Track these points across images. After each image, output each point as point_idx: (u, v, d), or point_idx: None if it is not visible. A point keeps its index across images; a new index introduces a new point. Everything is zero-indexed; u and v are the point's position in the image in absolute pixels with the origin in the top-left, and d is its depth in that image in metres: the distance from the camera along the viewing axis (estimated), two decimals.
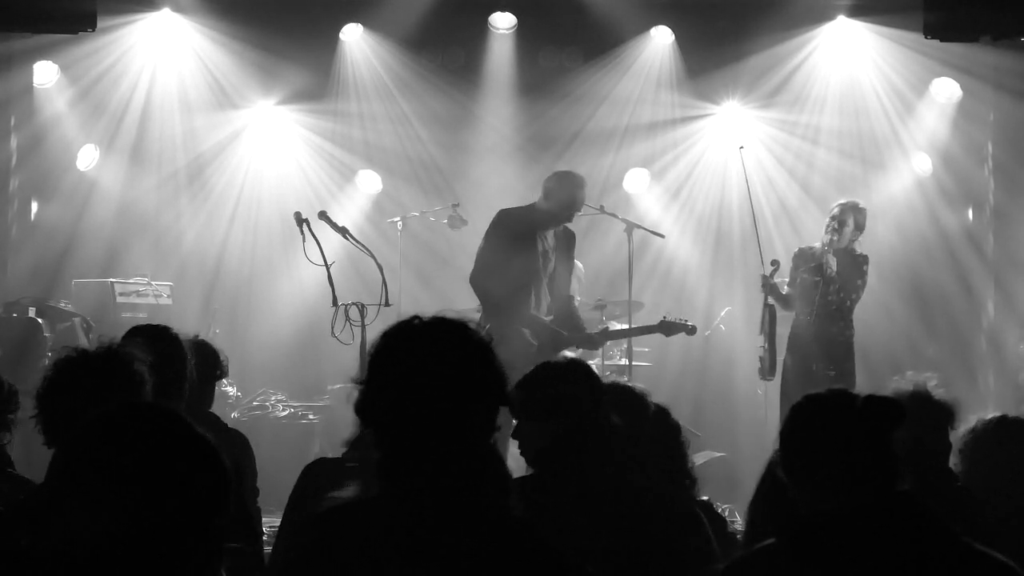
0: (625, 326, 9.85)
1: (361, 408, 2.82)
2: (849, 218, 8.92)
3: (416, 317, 2.87)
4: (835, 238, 8.85)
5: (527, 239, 8.71)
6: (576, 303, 10.31)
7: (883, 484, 2.98)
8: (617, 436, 4.14)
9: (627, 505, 4.00)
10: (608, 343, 10.01)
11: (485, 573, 2.68)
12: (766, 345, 8.90)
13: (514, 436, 4.20)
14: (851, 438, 3.01)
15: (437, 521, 2.68)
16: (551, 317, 8.78)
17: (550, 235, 8.85)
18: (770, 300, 8.98)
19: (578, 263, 10.54)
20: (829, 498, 2.98)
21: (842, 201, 9.09)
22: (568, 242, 8.98)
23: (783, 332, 9.11)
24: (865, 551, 2.90)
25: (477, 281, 8.68)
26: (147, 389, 3.71)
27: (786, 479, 3.09)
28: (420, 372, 2.77)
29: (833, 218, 8.93)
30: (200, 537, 2.46)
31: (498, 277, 8.58)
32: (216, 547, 2.45)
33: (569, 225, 8.98)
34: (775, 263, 9.05)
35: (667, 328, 9.26)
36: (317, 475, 4.89)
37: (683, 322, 9.26)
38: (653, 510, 4.07)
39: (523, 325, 8.57)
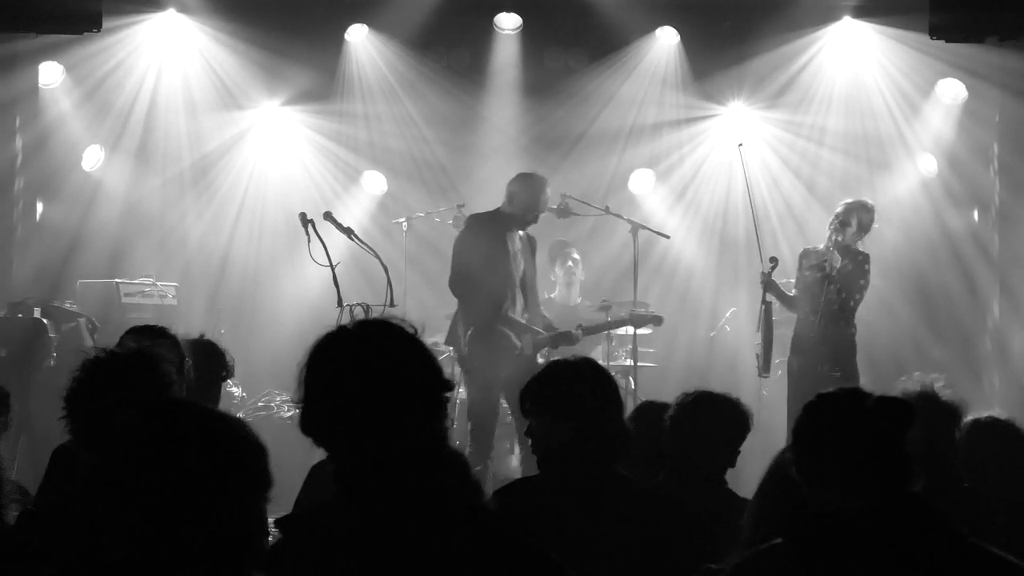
0: (629, 327, 9.87)
1: (304, 425, 2.83)
2: (852, 217, 8.88)
3: (341, 327, 2.89)
4: (838, 237, 8.83)
5: (498, 242, 8.87)
6: (578, 302, 10.42)
7: (893, 484, 2.98)
8: (623, 437, 4.13)
9: (631, 506, 3.99)
10: (611, 344, 10.04)
11: (451, 568, 2.68)
12: (761, 343, 8.90)
13: (527, 434, 4.20)
14: (861, 437, 3.00)
15: (397, 520, 2.69)
16: (527, 317, 8.94)
17: (516, 238, 9.00)
18: (768, 298, 8.95)
19: (577, 258, 10.59)
20: (840, 497, 2.98)
21: (848, 200, 9.05)
22: (532, 246, 9.14)
23: (787, 333, 9.10)
24: (871, 551, 2.90)
25: (457, 286, 8.83)
26: (175, 390, 3.71)
27: (798, 478, 3.09)
28: (348, 377, 2.77)
29: (837, 216, 8.91)
30: (248, 527, 2.46)
31: (478, 281, 8.73)
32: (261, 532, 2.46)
33: (530, 231, 9.13)
34: (773, 260, 9.01)
35: (637, 320, 9.51)
36: (321, 477, 4.91)
37: (651, 313, 9.57)
38: (657, 511, 4.06)
39: (505, 327, 8.69)
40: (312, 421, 2.82)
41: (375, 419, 2.75)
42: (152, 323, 5.18)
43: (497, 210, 9.07)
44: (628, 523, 3.92)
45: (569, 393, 4.08)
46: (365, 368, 2.77)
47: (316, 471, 5.05)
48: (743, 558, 3.12)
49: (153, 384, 3.67)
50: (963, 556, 2.92)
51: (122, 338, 4.82)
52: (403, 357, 2.81)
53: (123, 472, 2.35)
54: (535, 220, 9.09)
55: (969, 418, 5.03)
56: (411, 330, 2.86)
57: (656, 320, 9.64)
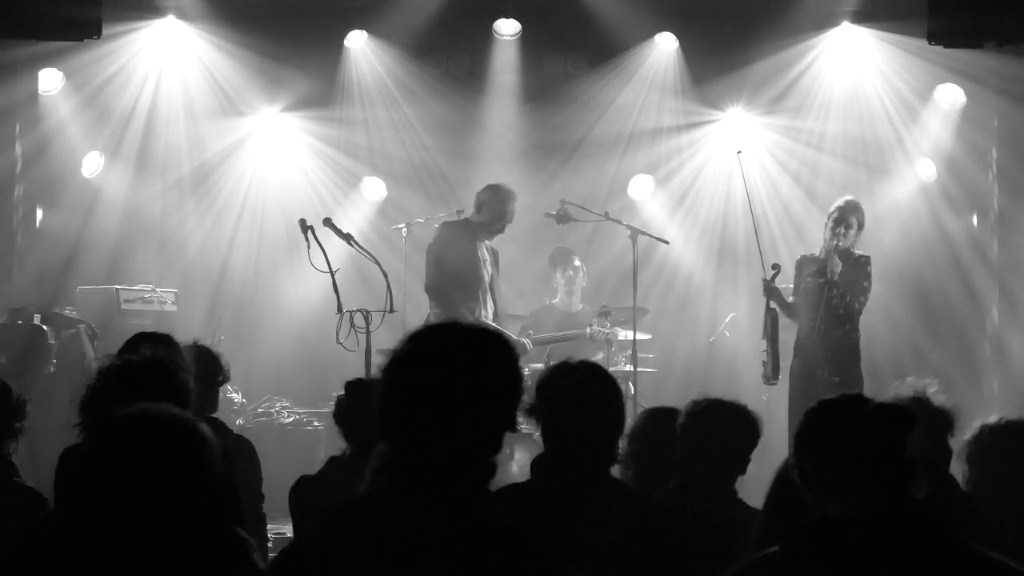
0: (629, 332, 9.89)
1: (384, 404, 2.81)
2: (852, 218, 8.89)
3: (455, 322, 2.88)
4: (840, 242, 8.82)
5: (470, 250, 9.28)
6: (579, 309, 10.45)
7: (895, 490, 2.97)
8: (613, 442, 4.10)
9: (624, 512, 3.97)
10: (611, 350, 10.04)
11: (478, 571, 2.69)
12: (768, 349, 8.89)
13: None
14: (861, 443, 3.01)
15: (438, 520, 2.69)
16: (496, 323, 9.34)
17: (484, 247, 9.44)
18: (772, 304, 8.96)
19: (578, 265, 10.61)
20: (842, 503, 2.98)
21: (840, 203, 9.04)
22: (495, 257, 9.57)
23: (789, 338, 9.10)
24: (870, 558, 2.89)
25: (435, 290, 9.11)
26: (191, 398, 3.70)
27: (800, 484, 3.09)
28: (452, 375, 2.76)
29: (836, 221, 8.89)
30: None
31: (454, 285, 9.09)
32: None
33: (491, 243, 9.53)
34: (776, 267, 9.05)
35: (593, 336, 9.81)
36: (301, 495, 4.96)
37: (605, 333, 9.80)
38: (653, 518, 4.05)
39: None
40: (392, 402, 2.80)
41: (450, 422, 2.74)
42: (153, 329, 5.18)
43: (466, 220, 9.45)
44: (620, 529, 3.90)
45: (557, 397, 4.07)
46: (468, 373, 2.76)
47: (294, 491, 5.06)
48: (739, 567, 3.12)
49: (169, 392, 3.67)
50: (962, 562, 2.92)
51: (128, 344, 4.81)
52: (505, 377, 2.82)
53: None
54: (502, 230, 9.50)
55: (984, 422, 5.03)
56: (516, 353, 2.87)
57: (609, 336, 9.80)
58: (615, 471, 4.24)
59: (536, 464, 4.08)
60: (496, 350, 2.82)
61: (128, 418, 2.85)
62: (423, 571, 2.67)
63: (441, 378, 2.76)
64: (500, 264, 9.87)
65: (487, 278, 9.39)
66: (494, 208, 9.41)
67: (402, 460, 2.77)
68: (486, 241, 9.50)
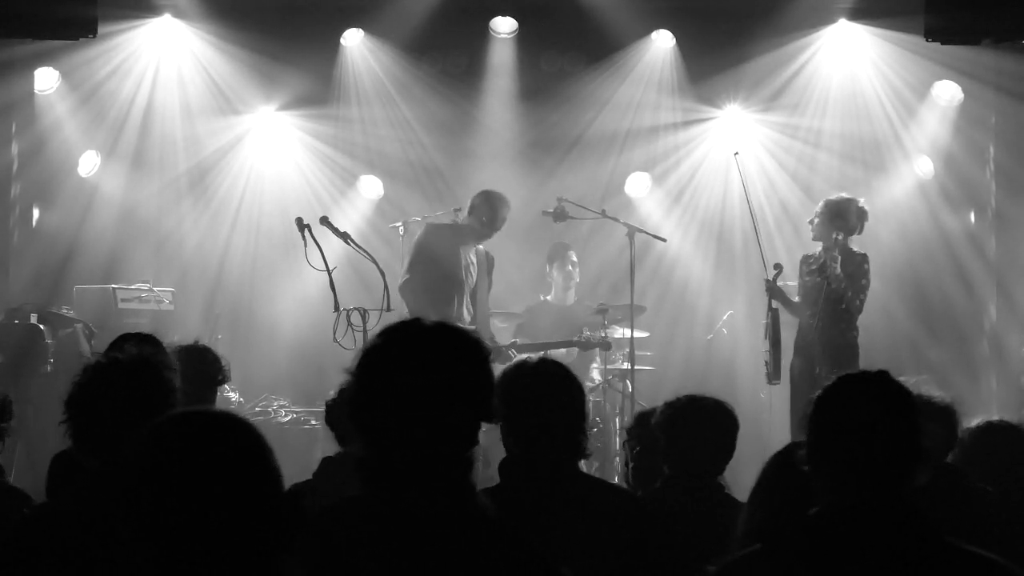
0: (627, 330, 9.89)
1: (354, 402, 2.80)
2: (850, 216, 8.90)
3: (418, 320, 2.87)
4: (837, 236, 8.83)
5: (452, 252, 9.36)
6: (573, 302, 10.46)
7: (891, 479, 2.94)
8: (577, 439, 4.08)
9: (596, 507, 3.97)
10: (613, 349, 10.03)
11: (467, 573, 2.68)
12: (770, 350, 8.88)
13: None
14: (857, 429, 2.97)
15: (420, 522, 2.69)
16: (473, 328, 9.23)
17: (472, 252, 9.52)
18: (774, 305, 8.95)
19: (575, 260, 10.61)
20: (835, 491, 2.95)
21: (832, 198, 9.07)
22: (488, 264, 9.67)
23: (789, 336, 9.09)
24: (851, 554, 2.87)
25: (407, 289, 9.15)
26: (177, 397, 3.69)
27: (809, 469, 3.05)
28: (420, 374, 2.74)
29: (832, 216, 8.90)
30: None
31: (427, 286, 9.16)
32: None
33: (489, 251, 9.68)
34: (778, 266, 9.04)
35: (584, 344, 9.83)
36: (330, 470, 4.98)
37: (601, 338, 9.78)
38: (628, 511, 4.05)
39: None
40: (361, 399, 2.79)
41: (422, 421, 2.72)
42: (148, 329, 5.17)
43: (455, 222, 9.59)
44: (598, 525, 3.90)
45: (513, 398, 4.05)
46: (436, 371, 2.75)
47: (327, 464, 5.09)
48: (722, 565, 3.10)
49: (154, 391, 3.66)
50: (939, 556, 2.90)
51: (113, 344, 4.80)
52: (475, 372, 2.81)
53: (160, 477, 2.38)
54: (490, 235, 9.56)
55: (980, 420, 5.04)
56: (487, 352, 2.87)
57: (604, 344, 9.79)
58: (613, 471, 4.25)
59: (502, 467, 4.07)
60: (462, 346, 2.82)
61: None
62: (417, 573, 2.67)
63: (408, 376, 2.74)
64: (497, 263, 9.86)
65: (468, 283, 9.44)
66: (485, 213, 9.47)
67: (377, 460, 2.76)
68: (476, 246, 9.55)
